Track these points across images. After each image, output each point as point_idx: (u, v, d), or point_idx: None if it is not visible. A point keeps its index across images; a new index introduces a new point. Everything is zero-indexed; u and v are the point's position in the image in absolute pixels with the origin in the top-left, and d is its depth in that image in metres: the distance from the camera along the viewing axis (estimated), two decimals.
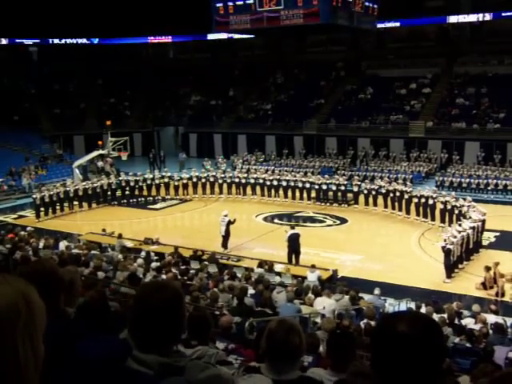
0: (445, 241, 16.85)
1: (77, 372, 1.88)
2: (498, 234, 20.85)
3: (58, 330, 1.87)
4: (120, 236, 18.82)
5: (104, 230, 20.83)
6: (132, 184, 28.56)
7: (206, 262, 15.41)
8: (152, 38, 47.30)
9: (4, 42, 43.00)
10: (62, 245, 17.01)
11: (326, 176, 28.28)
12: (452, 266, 16.85)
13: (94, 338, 2.18)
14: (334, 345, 3.98)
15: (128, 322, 1.98)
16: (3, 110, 39.91)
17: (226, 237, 19.72)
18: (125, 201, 28.37)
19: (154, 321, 1.91)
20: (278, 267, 16.25)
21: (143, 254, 17.04)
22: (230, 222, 19.63)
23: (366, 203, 25.82)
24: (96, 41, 46.45)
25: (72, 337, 2.12)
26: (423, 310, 11.38)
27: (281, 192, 27.84)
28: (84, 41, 45.73)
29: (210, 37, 42.93)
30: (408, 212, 23.84)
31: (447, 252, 16.55)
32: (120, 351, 1.93)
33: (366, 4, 24.44)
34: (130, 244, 18.93)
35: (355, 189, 26.33)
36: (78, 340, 2.09)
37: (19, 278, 1.38)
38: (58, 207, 26.12)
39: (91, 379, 1.88)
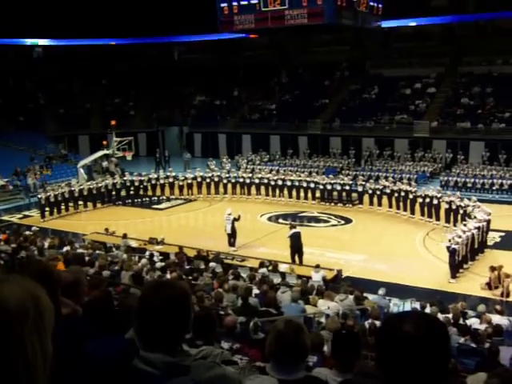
0: (450, 241, 16.82)
1: (84, 371, 1.89)
2: (503, 234, 20.76)
3: (66, 330, 1.88)
4: (125, 236, 18.88)
5: (107, 229, 20.91)
6: (137, 184, 28.62)
7: (213, 263, 15.39)
8: (157, 38, 47.27)
9: (9, 42, 43.04)
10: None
11: (331, 176, 28.23)
12: (457, 265, 16.82)
13: (100, 337, 2.19)
14: (338, 345, 3.98)
15: (134, 320, 1.99)
16: (8, 111, 40.04)
17: (232, 235, 19.79)
18: (129, 201, 28.43)
19: (160, 319, 1.92)
20: (282, 267, 16.25)
21: (148, 253, 17.07)
22: (234, 220, 19.69)
23: (371, 203, 25.78)
24: (101, 41, 46.46)
25: (79, 336, 2.13)
26: (428, 310, 11.36)
27: (285, 192, 27.82)
28: (89, 41, 45.73)
29: (215, 37, 42.91)
30: (413, 212, 23.79)
31: (452, 252, 16.53)
32: (126, 351, 1.94)
33: (371, 4, 24.44)
34: (134, 244, 18.97)
35: (360, 189, 26.28)
36: (85, 340, 2.10)
37: (28, 278, 1.39)
38: (62, 207, 26.21)
39: (98, 379, 1.89)
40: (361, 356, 4.45)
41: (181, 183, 29.12)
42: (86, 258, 13.36)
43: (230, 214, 19.82)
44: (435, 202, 22.62)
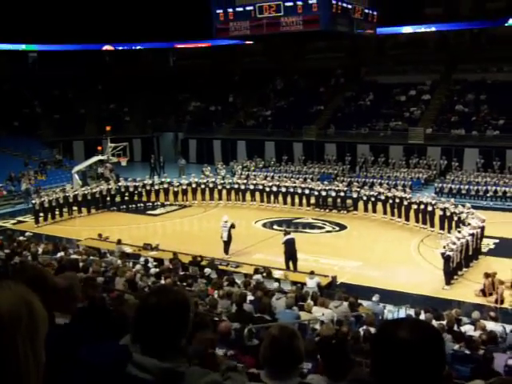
0: (444, 247, 16.85)
1: (77, 377, 1.88)
2: (497, 240, 20.83)
3: (59, 336, 1.87)
4: (119, 242, 18.82)
5: (100, 235, 20.84)
6: (131, 190, 28.55)
7: (208, 269, 15.36)
8: (152, 43, 47.32)
9: (4, 47, 42.97)
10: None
11: (326, 182, 28.27)
12: (451, 272, 16.84)
13: (94, 343, 2.18)
14: (324, 353, 3.98)
15: (132, 323, 1.98)
16: (3, 116, 39.88)
17: (228, 242, 19.73)
18: (124, 206, 28.37)
19: (158, 322, 1.91)
20: (276, 273, 16.23)
21: (142, 259, 17.03)
22: (231, 227, 19.65)
23: (366, 210, 25.81)
24: (96, 47, 46.48)
25: (73, 342, 2.12)
26: (422, 316, 11.36)
27: (280, 198, 27.81)
28: (84, 46, 45.71)
29: (210, 43, 43.03)
30: (407, 218, 23.82)
31: (447, 258, 16.55)
32: (120, 356, 1.93)
33: (366, 11, 24.59)
34: (129, 250, 18.91)
35: (354, 195, 26.31)
36: (78, 345, 2.09)
37: (21, 284, 1.39)
38: (57, 213, 26.12)
39: None
40: (352, 363, 4.44)
41: (175, 189, 29.06)
42: (80, 264, 13.29)
43: (226, 222, 19.75)
44: (430, 208, 22.67)
